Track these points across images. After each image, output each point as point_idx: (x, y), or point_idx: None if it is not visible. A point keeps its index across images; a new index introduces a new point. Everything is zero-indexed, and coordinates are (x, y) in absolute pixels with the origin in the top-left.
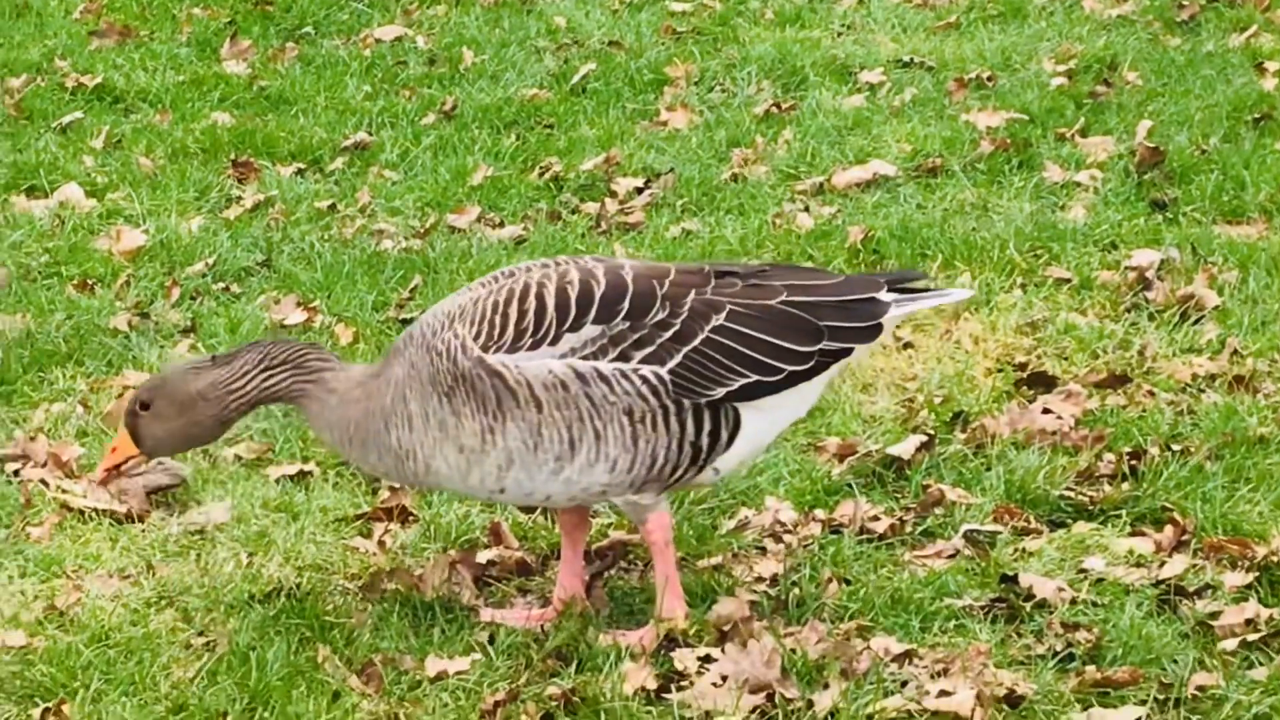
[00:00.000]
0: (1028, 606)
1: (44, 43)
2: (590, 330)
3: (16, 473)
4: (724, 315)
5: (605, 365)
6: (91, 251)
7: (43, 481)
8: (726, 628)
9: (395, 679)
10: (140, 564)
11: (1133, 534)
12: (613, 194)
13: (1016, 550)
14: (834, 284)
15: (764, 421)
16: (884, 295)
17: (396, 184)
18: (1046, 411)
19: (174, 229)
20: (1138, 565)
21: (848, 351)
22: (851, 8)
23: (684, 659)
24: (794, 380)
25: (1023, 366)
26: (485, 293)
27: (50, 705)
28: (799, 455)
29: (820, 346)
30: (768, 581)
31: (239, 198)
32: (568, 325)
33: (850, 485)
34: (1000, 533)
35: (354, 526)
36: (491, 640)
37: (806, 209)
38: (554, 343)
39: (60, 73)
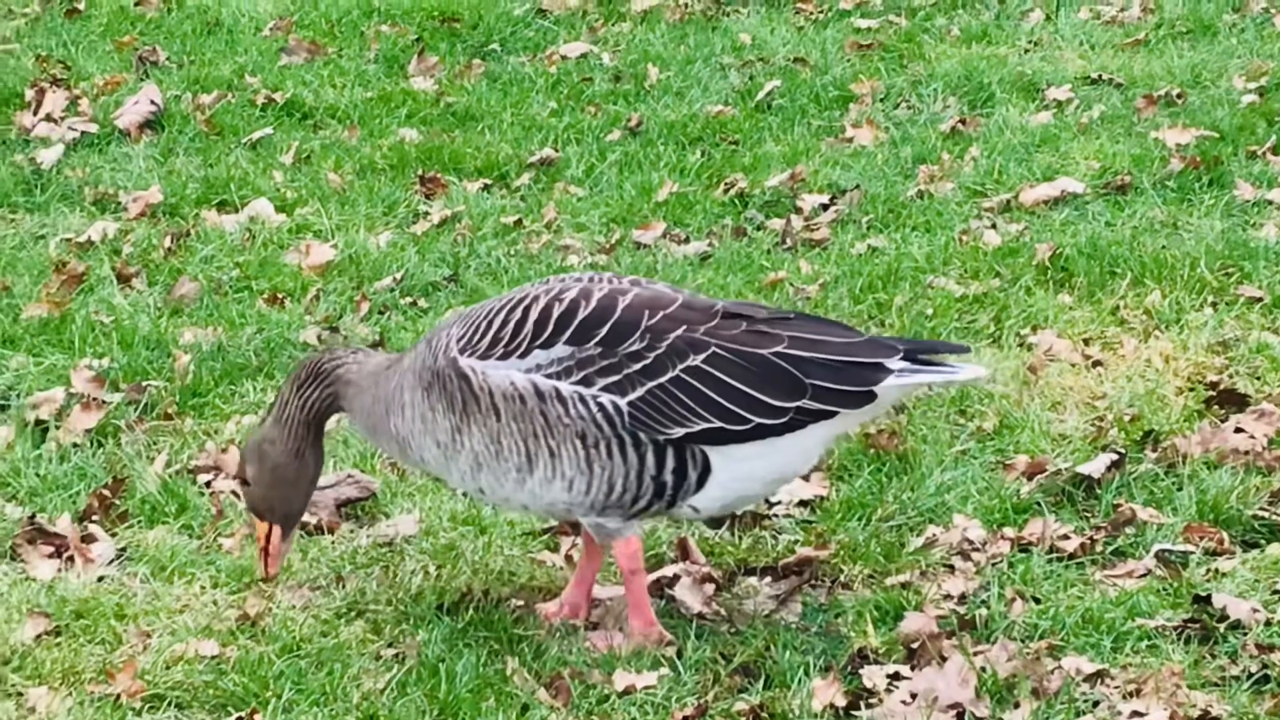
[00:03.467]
0: (1221, 627)
1: (234, 60)
2: (561, 350)
3: (209, 484)
4: (703, 357)
5: (566, 386)
6: (281, 266)
7: (234, 493)
8: (914, 645)
9: (583, 692)
10: (330, 575)
11: None
12: (798, 210)
13: (1209, 570)
14: (844, 343)
15: (740, 470)
16: (892, 363)
17: (582, 200)
18: (1239, 431)
19: (362, 244)
20: None
21: (831, 414)
22: (1039, 24)
23: (873, 676)
24: (763, 433)
25: (1214, 385)
26: (499, 299)
27: (243, 714)
28: (987, 473)
29: (799, 404)
30: (955, 599)
31: (426, 213)
32: (540, 341)
33: (1039, 503)
34: (1192, 553)
35: (541, 540)
36: (679, 655)
37: (994, 226)
38: (523, 356)
39: (250, 89)
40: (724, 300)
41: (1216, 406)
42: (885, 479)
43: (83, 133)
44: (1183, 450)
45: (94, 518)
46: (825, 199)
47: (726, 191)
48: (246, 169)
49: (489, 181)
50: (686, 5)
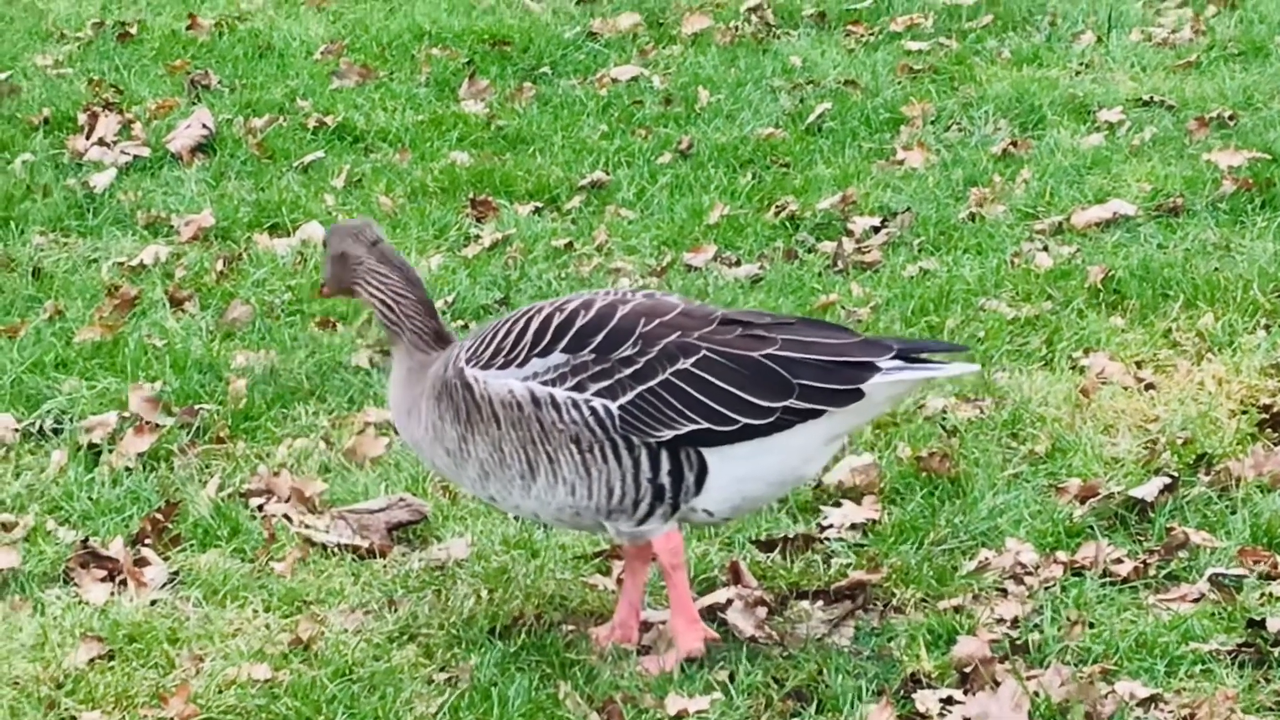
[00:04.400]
0: (1276, 652)
1: (286, 83)
2: (556, 357)
3: (261, 508)
4: (693, 360)
5: (560, 392)
6: None
7: (286, 516)
8: (967, 669)
9: (636, 716)
10: (382, 599)
11: None
12: (849, 233)
13: (1263, 595)
14: (837, 344)
15: (739, 471)
16: (883, 362)
17: (633, 223)
18: None
19: (414, 266)
20: None
21: (818, 412)
22: (1090, 46)
23: (925, 700)
24: (751, 433)
25: (1268, 409)
26: (513, 313)
27: None
28: (1040, 496)
29: (786, 403)
30: (1008, 623)
31: (477, 236)
32: (539, 350)
33: (1092, 527)
34: (1246, 577)
35: (592, 564)
36: (731, 679)
37: (1045, 248)
38: (522, 364)
39: (302, 113)
40: (725, 308)
41: (1270, 429)
42: (937, 502)
43: (135, 156)
44: (1236, 473)
45: (146, 541)
46: (876, 221)
47: (777, 214)
48: (298, 192)
49: (540, 204)
50: (737, 28)
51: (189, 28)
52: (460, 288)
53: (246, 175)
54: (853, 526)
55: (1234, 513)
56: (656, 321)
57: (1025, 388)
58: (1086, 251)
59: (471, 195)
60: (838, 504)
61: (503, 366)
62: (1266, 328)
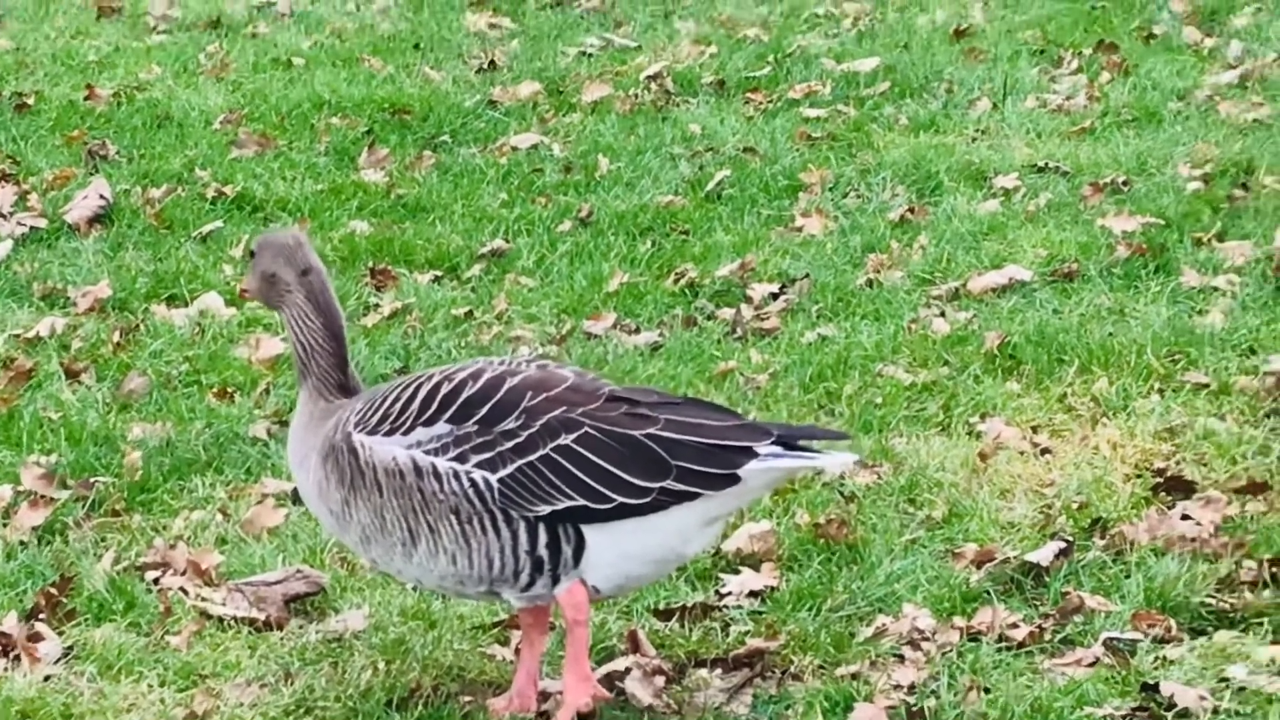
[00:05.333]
0: (1169, 715)
1: (184, 153)
2: (441, 427)
3: (157, 581)
4: (574, 436)
5: (442, 462)
6: (231, 360)
7: (182, 589)
8: None
9: None
10: (279, 672)
11: (1275, 642)
12: (748, 300)
13: (1157, 658)
14: (718, 427)
15: (618, 549)
16: (761, 448)
17: (533, 290)
18: (1186, 518)
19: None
20: None
21: (694, 495)
22: (986, 113)
23: None
24: (627, 512)
25: (1161, 472)
26: (403, 379)
27: None
28: (936, 562)
29: (662, 484)
30: (905, 689)
31: (377, 305)
32: (425, 419)
33: (988, 592)
34: (1140, 640)
35: (491, 634)
36: None
37: (942, 314)
38: (407, 432)
39: (200, 182)
40: (616, 384)
41: (1163, 493)
42: (835, 568)
43: (32, 227)
44: (1130, 537)
45: (41, 616)
46: (775, 288)
47: (677, 281)
48: (196, 262)
49: (440, 273)
50: (636, 95)
51: (87, 98)
52: (360, 357)
53: (144, 245)
54: (751, 594)
55: (1128, 576)
56: (543, 395)
57: (922, 453)
58: (983, 317)
59: (371, 264)
60: (736, 571)
61: (389, 433)
62: (1160, 392)
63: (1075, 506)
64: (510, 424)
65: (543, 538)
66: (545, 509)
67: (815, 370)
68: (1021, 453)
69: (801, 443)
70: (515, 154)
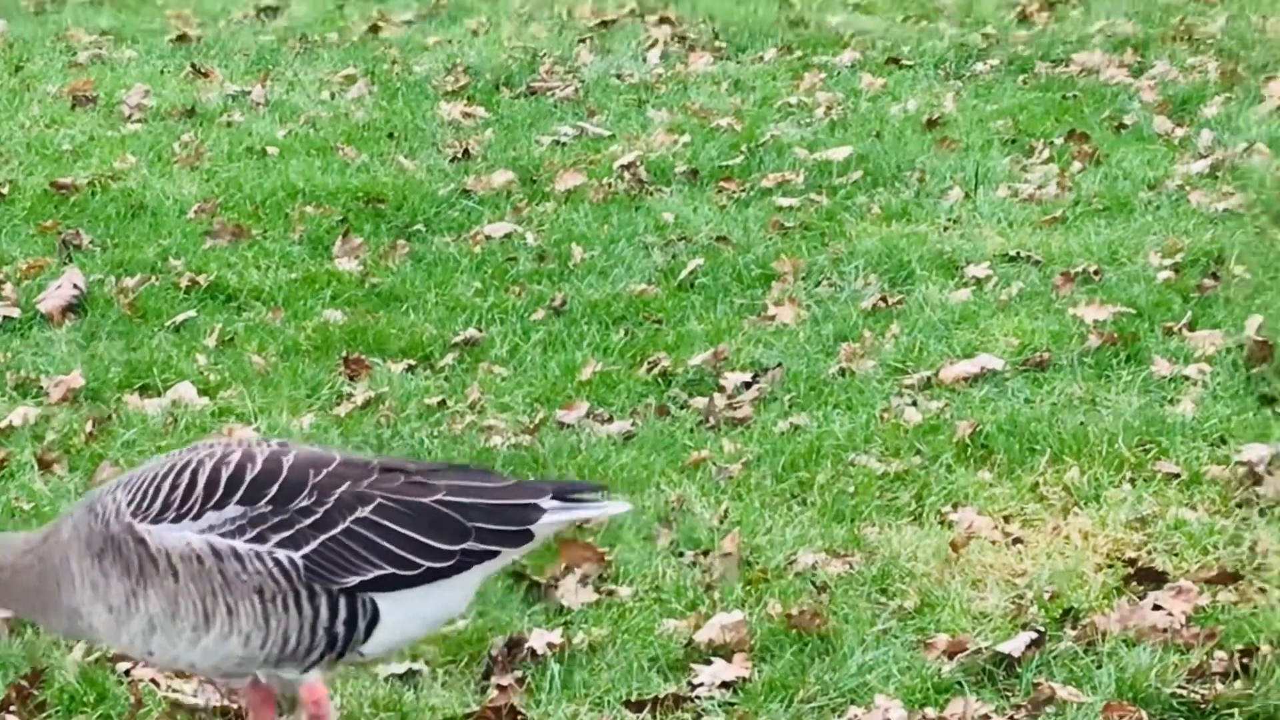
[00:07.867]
0: None
1: (158, 242)
2: (233, 510)
3: (128, 672)
4: (370, 508)
5: (241, 544)
6: None
7: (153, 681)
8: None
9: None
10: None
11: None
12: (721, 389)
13: None
14: (497, 487)
15: (406, 613)
16: (545, 503)
17: (506, 380)
18: (1157, 608)
19: (285, 426)
20: None
21: (494, 554)
22: (958, 202)
23: None
24: (432, 576)
25: (1133, 562)
26: (157, 465)
27: None
28: (908, 652)
29: (464, 546)
30: None
31: (350, 394)
32: (213, 503)
33: (960, 683)
34: None
35: None
36: None
37: (914, 403)
38: (196, 517)
39: (174, 272)
40: (375, 456)
41: (1135, 583)
42: (807, 659)
43: (5, 317)
44: (1102, 628)
45: (11, 709)
46: (748, 377)
47: (650, 370)
48: (170, 352)
49: (413, 362)
50: (610, 184)
51: (60, 188)
52: (333, 446)
53: (118, 335)
54: (723, 684)
55: (1100, 667)
56: (325, 472)
57: (895, 543)
58: (955, 406)
59: (344, 353)
60: (708, 661)
61: (175, 520)
62: (1132, 481)
63: (1047, 596)
64: (305, 501)
65: (342, 612)
66: (353, 580)
67: (788, 459)
68: (993, 542)
69: (573, 496)
70: (489, 243)
